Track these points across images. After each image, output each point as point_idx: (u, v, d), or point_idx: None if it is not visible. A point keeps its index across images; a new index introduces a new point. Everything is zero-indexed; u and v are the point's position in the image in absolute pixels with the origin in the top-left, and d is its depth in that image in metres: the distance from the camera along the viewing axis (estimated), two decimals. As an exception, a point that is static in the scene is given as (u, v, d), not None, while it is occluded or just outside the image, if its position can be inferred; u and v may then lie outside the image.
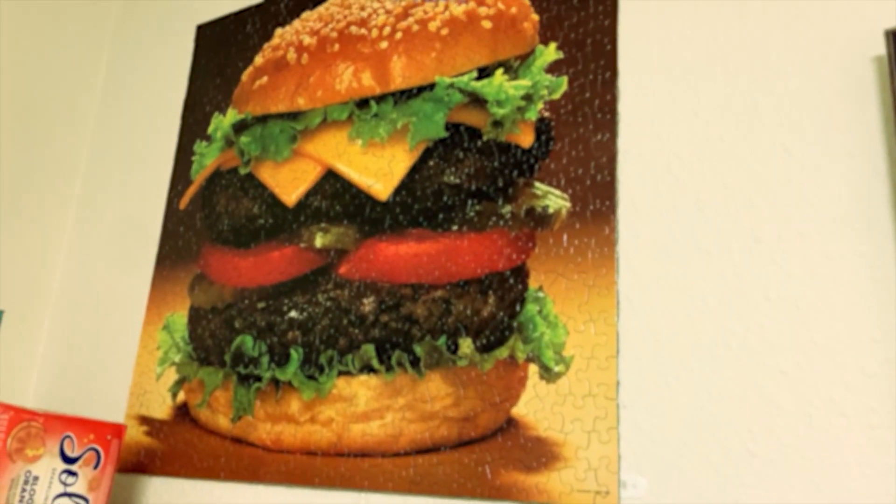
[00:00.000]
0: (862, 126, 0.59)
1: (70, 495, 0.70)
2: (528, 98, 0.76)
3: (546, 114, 0.75)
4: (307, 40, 0.92)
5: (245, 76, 0.98)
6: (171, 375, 0.89)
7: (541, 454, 0.65)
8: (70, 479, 0.70)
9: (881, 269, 0.56)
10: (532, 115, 0.75)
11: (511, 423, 0.67)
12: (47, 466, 0.69)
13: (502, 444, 0.67)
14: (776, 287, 0.59)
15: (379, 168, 0.82)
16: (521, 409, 0.67)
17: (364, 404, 0.75)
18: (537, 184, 0.73)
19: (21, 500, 0.67)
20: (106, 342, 0.96)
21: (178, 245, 0.96)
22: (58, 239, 1.06)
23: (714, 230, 0.63)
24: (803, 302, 0.58)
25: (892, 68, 0.56)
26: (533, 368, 0.68)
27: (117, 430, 0.75)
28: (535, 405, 0.66)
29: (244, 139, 0.93)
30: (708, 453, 0.58)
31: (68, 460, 0.70)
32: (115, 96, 1.11)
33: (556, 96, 0.75)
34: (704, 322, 0.61)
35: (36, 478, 0.68)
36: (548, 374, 0.67)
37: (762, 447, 0.56)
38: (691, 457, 0.59)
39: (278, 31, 0.97)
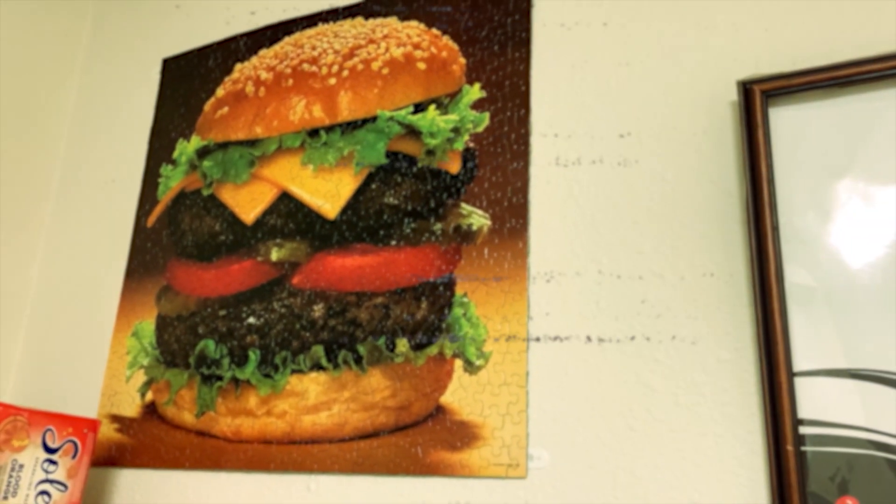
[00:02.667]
0: (722, 158, 0.72)
1: (51, 482, 0.79)
2: (457, 130, 0.87)
3: (471, 144, 0.87)
4: (264, 75, 1.03)
5: (208, 106, 1.08)
6: (140, 377, 0.98)
7: (464, 435, 0.76)
8: (51, 468, 0.79)
9: (734, 275, 0.69)
10: (459, 146, 0.87)
11: (439, 410, 0.78)
12: (31, 456, 0.78)
13: (432, 428, 0.78)
14: (652, 291, 0.71)
15: (328, 190, 0.92)
16: (448, 398, 0.78)
17: (314, 398, 0.85)
18: (463, 205, 0.85)
19: (8, 486, 0.76)
20: (79, 349, 1.05)
21: (146, 259, 1.05)
22: (32, 254, 1.14)
23: (606, 245, 0.75)
24: (673, 303, 0.70)
25: (742, 112, 0.69)
26: (458, 363, 0.79)
27: (93, 424, 0.84)
28: (460, 394, 0.78)
29: (207, 163, 1.03)
30: (597, 429, 0.70)
31: (50, 451, 0.79)
32: (86, 123, 1.20)
33: (480, 129, 0.87)
34: (597, 321, 0.73)
35: (21, 465, 0.77)
36: (470, 368, 0.78)
37: (640, 423, 0.68)
38: (584, 432, 0.70)
39: (238, 66, 1.08)
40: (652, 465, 0.67)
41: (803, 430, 0.60)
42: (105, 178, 1.14)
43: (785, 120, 0.68)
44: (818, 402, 0.61)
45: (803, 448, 0.60)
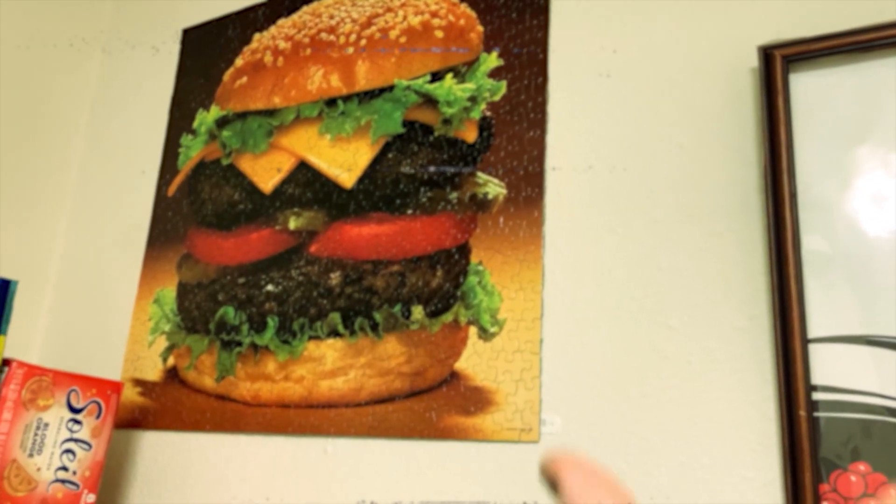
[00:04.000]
0: (740, 125, 0.72)
1: (76, 440, 0.81)
2: (473, 99, 0.87)
3: (488, 113, 0.86)
4: (282, 45, 1.04)
5: (227, 76, 1.09)
6: (162, 343, 1.00)
7: (477, 400, 0.77)
8: (76, 427, 0.82)
9: (750, 243, 0.68)
10: (476, 115, 0.87)
11: (454, 376, 0.79)
12: (56, 415, 0.80)
13: (446, 394, 0.79)
14: (667, 259, 0.71)
15: (345, 160, 0.93)
16: (462, 364, 0.79)
17: (331, 363, 0.86)
18: (479, 174, 0.85)
19: (34, 443, 0.78)
20: (103, 315, 1.07)
21: (167, 228, 1.07)
22: (56, 223, 1.17)
23: (621, 213, 0.75)
24: (688, 271, 0.70)
25: (762, 78, 0.68)
26: (473, 330, 0.80)
27: (116, 386, 0.86)
28: (474, 360, 0.79)
29: (226, 133, 1.04)
30: (610, 395, 0.70)
31: (74, 410, 0.81)
32: (108, 94, 1.22)
33: (497, 98, 0.86)
34: (611, 289, 0.73)
35: (46, 424, 0.79)
36: (485, 335, 0.79)
37: (652, 389, 0.69)
38: (597, 398, 0.71)
39: (256, 36, 1.08)
40: (664, 430, 0.67)
41: (816, 396, 0.60)
42: (126, 147, 1.16)
43: (805, 86, 0.68)
44: (832, 368, 0.61)
45: (816, 414, 0.60)
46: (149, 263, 1.06)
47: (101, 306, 1.08)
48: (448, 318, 0.81)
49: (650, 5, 0.80)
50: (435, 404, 0.79)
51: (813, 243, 0.64)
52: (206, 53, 1.14)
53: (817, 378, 0.61)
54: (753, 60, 0.72)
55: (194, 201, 1.05)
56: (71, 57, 1.22)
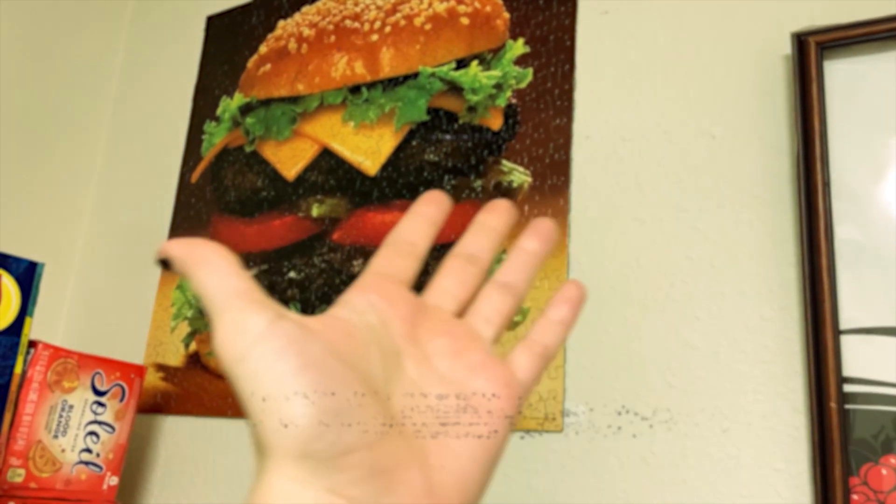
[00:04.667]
0: (772, 113, 0.71)
1: (100, 423, 0.82)
2: (499, 87, 0.87)
3: (513, 101, 0.86)
4: (306, 32, 1.03)
5: (250, 63, 1.09)
6: (184, 328, 1.01)
7: (500, 389, 0.76)
8: (99, 409, 0.82)
9: (781, 233, 0.67)
10: (501, 102, 0.86)
11: (477, 365, 0.79)
12: (80, 397, 0.81)
13: (469, 382, 0.78)
14: (696, 249, 0.71)
15: (368, 147, 0.93)
16: (485, 353, 0.78)
17: (353, 351, 0.86)
18: (504, 161, 0.84)
19: (59, 425, 0.78)
20: (126, 300, 1.08)
21: (190, 214, 1.07)
22: (82, 208, 1.17)
23: (648, 202, 0.74)
24: (717, 261, 0.69)
25: (796, 65, 0.67)
26: (496, 318, 0.79)
27: (139, 370, 0.87)
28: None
29: (249, 120, 1.04)
30: (635, 386, 0.70)
31: (98, 393, 0.82)
32: (132, 81, 1.22)
33: (523, 85, 0.86)
34: (637, 279, 0.73)
35: (71, 406, 0.80)
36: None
37: (679, 379, 0.68)
38: (622, 388, 0.70)
39: (280, 23, 1.08)
40: (690, 421, 0.66)
41: (848, 387, 0.59)
42: (151, 134, 1.16)
43: (840, 74, 0.66)
44: (864, 360, 0.60)
45: (847, 406, 0.59)
46: (172, 249, 1.06)
47: (124, 291, 1.08)
48: (471, 306, 0.81)
49: (680, -8, 0.79)
50: (457, 392, 0.79)
51: (846, 233, 0.63)
52: (230, 40, 1.14)
53: (848, 370, 0.60)
54: (787, 47, 0.70)
55: (217, 188, 1.05)
56: (96, 44, 1.22)
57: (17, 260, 0.72)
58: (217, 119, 1.09)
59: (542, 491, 0.70)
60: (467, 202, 0.85)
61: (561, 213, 0.79)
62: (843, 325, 0.61)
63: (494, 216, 0.37)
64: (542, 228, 0.36)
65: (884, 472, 0.58)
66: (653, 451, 0.67)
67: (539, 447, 0.72)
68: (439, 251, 0.86)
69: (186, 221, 1.07)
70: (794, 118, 0.67)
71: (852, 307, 0.61)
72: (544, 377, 0.74)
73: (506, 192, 0.83)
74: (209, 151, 1.08)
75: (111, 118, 1.22)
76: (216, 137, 1.08)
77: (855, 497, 0.58)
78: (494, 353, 0.32)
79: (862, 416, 0.59)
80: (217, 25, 1.16)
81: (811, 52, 0.66)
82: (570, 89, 0.83)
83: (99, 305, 1.11)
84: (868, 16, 0.66)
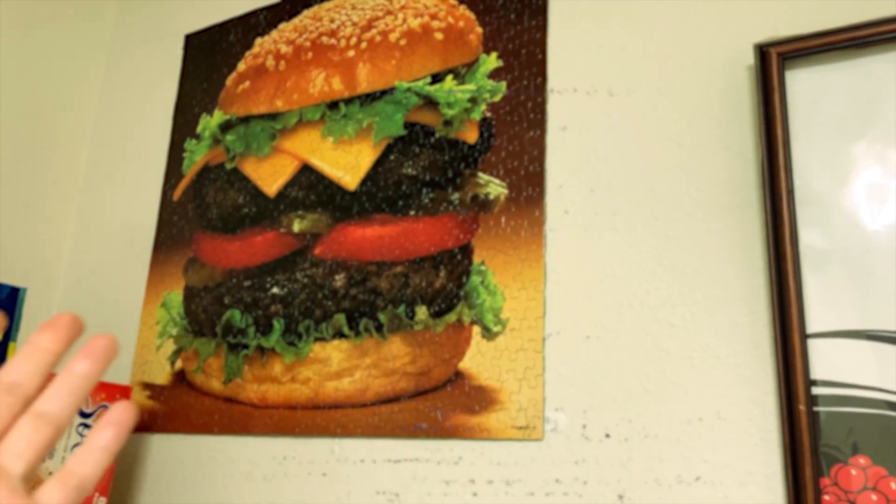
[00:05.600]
0: (738, 122, 0.72)
1: (86, 444, 0.83)
2: (473, 100, 0.88)
3: (488, 114, 0.87)
4: (284, 49, 1.04)
5: (229, 81, 1.10)
6: (169, 346, 1.01)
7: (482, 399, 0.78)
8: (86, 432, 0.83)
9: (749, 239, 0.69)
10: (476, 116, 0.87)
11: (458, 375, 0.80)
12: (67, 419, 0.81)
13: (451, 393, 0.80)
14: (668, 256, 0.72)
15: (347, 162, 0.94)
16: (466, 364, 0.80)
17: (336, 365, 0.87)
18: (480, 174, 0.86)
19: (46, 447, 0.79)
20: (111, 320, 1.08)
21: (173, 232, 1.08)
22: (64, 230, 1.18)
23: (622, 211, 0.76)
24: (689, 268, 0.71)
25: (759, 76, 0.69)
26: (476, 329, 0.80)
27: (125, 390, 0.88)
28: (478, 359, 0.79)
29: (229, 137, 1.05)
30: (613, 392, 0.71)
31: (84, 415, 0.83)
32: (113, 99, 1.23)
33: (497, 99, 0.87)
34: (613, 286, 0.74)
35: (58, 429, 0.80)
36: (488, 334, 0.80)
37: (655, 385, 0.69)
38: (600, 396, 0.72)
39: (258, 40, 1.09)
40: (667, 426, 0.68)
41: (816, 390, 0.61)
42: (132, 153, 1.17)
43: (802, 83, 0.68)
44: (831, 363, 0.61)
45: (816, 408, 0.61)
46: (155, 268, 1.07)
47: (108, 311, 1.09)
48: (452, 318, 0.82)
49: (648, 5, 0.80)
50: (440, 404, 0.80)
51: (811, 238, 0.64)
52: (208, 58, 1.15)
53: (817, 373, 0.61)
54: (750, 58, 0.72)
55: (199, 205, 1.06)
56: (75, 64, 1.23)
57: (-1, 286, 0.73)
58: (197, 137, 1.10)
59: (522, 500, 0.72)
60: (445, 215, 0.86)
61: (537, 224, 0.80)
62: (811, 329, 0.62)
63: (47, 335, 0.33)
64: (96, 347, 0.33)
65: (853, 472, 0.59)
66: (631, 456, 0.69)
67: (520, 456, 0.73)
68: (419, 263, 0.87)
69: (169, 239, 1.08)
70: (758, 127, 0.69)
71: (819, 311, 0.63)
72: (524, 386, 0.76)
73: (483, 204, 0.84)
74: (190, 169, 1.09)
75: (92, 137, 1.22)
76: (197, 155, 1.09)
77: (826, 497, 0.59)
78: (21, 489, 0.30)
79: (831, 418, 0.60)
80: (196, 44, 1.17)
81: (773, 62, 0.67)
82: (542, 102, 0.84)
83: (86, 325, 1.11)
84: (828, 26, 0.68)
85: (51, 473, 0.79)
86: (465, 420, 0.78)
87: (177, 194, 1.09)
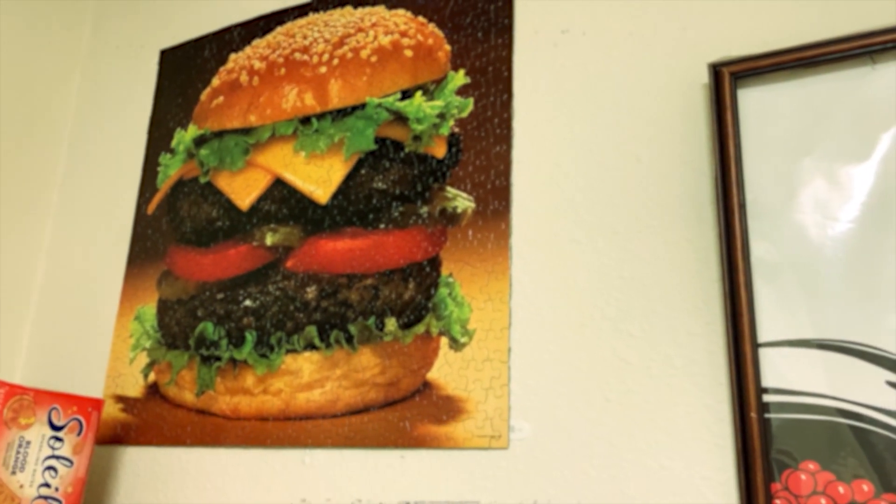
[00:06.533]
0: (694, 139, 0.75)
1: (57, 457, 0.83)
2: (442, 116, 0.90)
3: (456, 129, 0.89)
4: (257, 65, 1.06)
5: (204, 96, 1.11)
6: (143, 359, 1.02)
7: (449, 409, 0.79)
8: (57, 444, 0.83)
9: (704, 251, 0.71)
10: (445, 131, 0.89)
11: (426, 386, 0.81)
12: (38, 433, 0.82)
13: (419, 403, 0.81)
14: (628, 268, 0.74)
15: (319, 176, 0.95)
16: (434, 374, 0.81)
17: (308, 376, 0.89)
18: (449, 188, 0.87)
19: (16, 461, 0.80)
20: (84, 333, 1.09)
21: (147, 245, 1.09)
22: (39, 242, 1.18)
23: (584, 224, 0.78)
24: (648, 280, 0.73)
25: (713, 94, 0.71)
26: (444, 340, 0.82)
27: (96, 403, 0.88)
28: (446, 370, 0.81)
29: (203, 152, 1.06)
30: (576, 401, 0.73)
31: (55, 428, 0.83)
32: (88, 114, 1.23)
33: (464, 115, 0.89)
34: (575, 298, 0.76)
35: (28, 442, 0.81)
36: (455, 345, 0.81)
37: (615, 394, 0.71)
38: (564, 405, 0.73)
39: (232, 56, 1.11)
40: (627, 433, 0.70)
41: (767, 398, 0.63)
42: (106, 167, 1.18)
43: (753, 101, 0.71)
44: (782, 371, 0.64)
45: (767, 415, 0.63)
46: (129, 281, 1.08)
47: (83, 324, 1.09)
48: (420, 329, 0.84)
49: (610, 25, 0.83)
50: (409, 414, 0.81)
51: (762, 251, 0.67)
52: (183, 74, 1.16)
53: (768, 381, 0.64)
54: (706, 77, 0.75)
55: (173, 219, 1.07)
56: (50, 78, 1.23)
57: (-30, 300, 0.73)
58: (172, 151, 1.11)
59: (488, 507, 0.73)
60: (414, 228, 0.88)
61: (503, 237, 0.82)
62: (762, 338, 0.65)
63: None
64: None
65: (803, 477, 0.61)
66: (592, 463, 0.70)
67: (486, 465, 0.75)
68: (389, 276, 0.88)
69: (143, 252, 1.08)
70: (713, 143, 0.71)
71: (771, 320, 0.65)
72: (490, 396, 0.77)
73: (451, 217, 0.86)
74: (165, 183, 1.10)
75: (67, 153, 1.23)
76: (171, 169, 1.10)
77: (777, 502, 0.61)
78: None
79: (782, 425, 0.63)
80: (170, 59, 1.18)
81: (725, 81, 0.70)
82: (508, 118, 0.86)
83: (58, 339, 1.11)
84: (778, 46, 0.71)
85: (21, 486, 0.79)
86: (434, 429, 0.79)
87: (151, 208, 1.10)
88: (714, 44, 0.76)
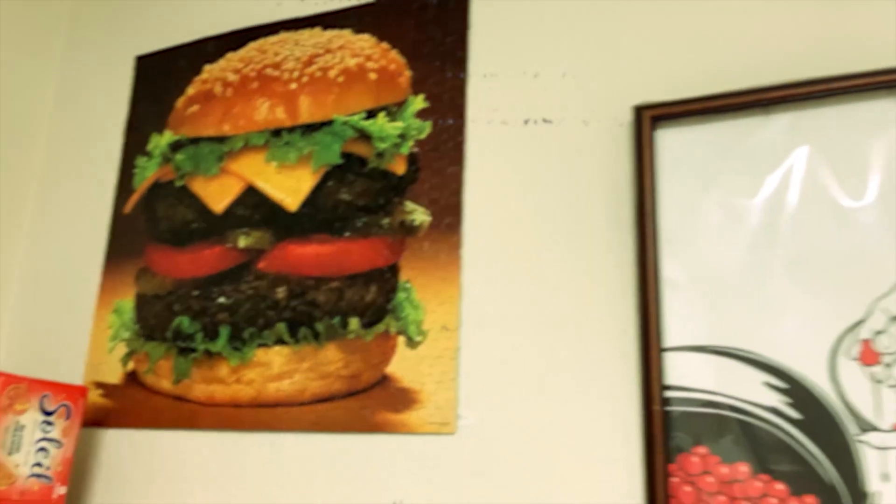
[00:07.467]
0: (619, 171, 0.87)
1: (49, 440, 0.92)
2: (403, 136, 1.00)
3: (415, 149, 1.00)
4: (231, 77, 1.14)
5: (179, 103, 1.19)
6: (121, 349, 1.11)
7: (405, 399, 0.91)
8: (48, 428, 0.92)
9: (623, 268, 0.83)
10: (405, 150, 1.00)
11: (385, 379, 0.93)
12: (31, 418, 0.90)
13: (378, 394, 0.92)
14: (561, 280, 0.86)
15: (289, 185, 1.05)
16: (392, 368, 0.93)
17: (278, 368, 0.99)
18: (408, 202, 0.98)
19: (13, 443, 0.88)
20: (65, 324, 1.16)
21: (125, 243, 1.17)
22: (18, 239, 1.25)
23: (526, 239, 0.90)
24: (576, 290, 0.85)
25: (634, 133, 0.83)
26: (401, 339, 0.93)
27: (82, 391, 0.97)
28: (402, 365, 0.92)
29: (179, 157, 1.15)
30: (514, 394, 0.85)
31: (47, 413, 0.92)
32: (65, 117, 1.30)
33: (423, 136, 0.99)
34: (517, 304, 0.88)
35: (23, 426, 0.89)
36: (411, 343, 0.92)
37: (547, 388, 0.84)
38: (504, 397, 0.85)
39: (207, 67, 1.18)
40: (554, 423, 0.82)
41: (669, 394, 0.76)
42: (84, 168, 1.25)
43: (669, 140, 0.83)
44: (682, 371, 0.77)
45: (668, 408, 0.76)
46: (108, 276, 1.16)
47: (62, 317, 1.17)
48: (380, 328, 0.95)
49: (552, 68, 0.94)
50: (369, 403, 0.92)
51: (670, 271, 0.79)
52: (159, 80, 1.23)
53: (670, 379, 0.77)
54: (630, 116, 0.87)
55: (150, 219, 1.15)
56: (28, 78, 1.29)
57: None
58: (148, 154, 1.19)
59: (438, 485, 0.85)
60: (376, 237, 0.98)
61: (455, 248, 0.93)
62: (667, 344, 0.78)
63: None
64: None
65: (694, 459, 0.74)
66: (528, 447, 0.83)
67: (436, 448, 0.87)
68: (353, 279, 0.99)
69: (121, 249, 1.16)
70: (632, 173, 0.83)
71: (675, 329, 0.78)
72: (441, 389, 0.89)
73: (409, 229, 0.97)
74: (141, 184, 1.18)
75: (45, 154, 1.29)
76: (148, 171, 1.17)
77: (673, 479, 0.74)
78: None
79: (679, 416, 0.76)
80: (146, 66, 1.25)
81: (645, 122, 0.82)
82: (461, 141, 0.97)
83: (38, 330, 1.19)
84: (698, 93, 0.83)
85: (17, 466, 0.88)
86: (391, 417, 0.91)
87: (128, 208, 1.18)
88: (637, 88, 0.88)
